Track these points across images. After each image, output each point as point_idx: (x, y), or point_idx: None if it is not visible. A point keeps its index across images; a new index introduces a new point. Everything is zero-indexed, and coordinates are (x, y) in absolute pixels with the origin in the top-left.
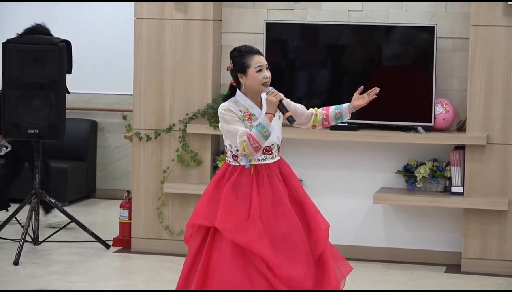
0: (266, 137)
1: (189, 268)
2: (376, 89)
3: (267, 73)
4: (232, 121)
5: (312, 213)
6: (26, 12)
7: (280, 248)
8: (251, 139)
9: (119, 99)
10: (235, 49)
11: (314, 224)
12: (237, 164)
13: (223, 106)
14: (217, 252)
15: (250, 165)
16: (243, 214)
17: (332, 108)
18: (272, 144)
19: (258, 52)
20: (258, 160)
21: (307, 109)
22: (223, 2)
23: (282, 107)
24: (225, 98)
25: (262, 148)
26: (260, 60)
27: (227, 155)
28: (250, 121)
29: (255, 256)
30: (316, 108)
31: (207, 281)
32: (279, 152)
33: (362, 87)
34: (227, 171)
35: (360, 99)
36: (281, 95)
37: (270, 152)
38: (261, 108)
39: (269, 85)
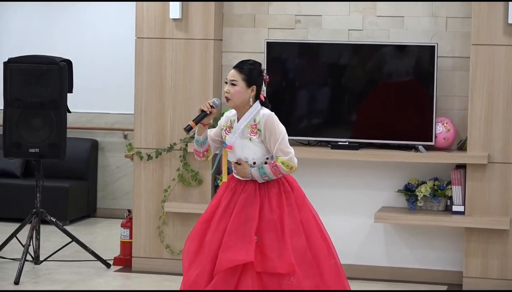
0: (197, 142)
1: None
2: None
3: (226, 88)
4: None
5: (225, 243)
6: (27, 31)
7: (200, 256)
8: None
9: (120, 119)
10: None
11: (226, 246)
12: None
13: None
14: None
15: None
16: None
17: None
18: (246, 162)
19: (235, 67)
20: (235, 173)
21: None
22: (224, 22)
23: (197, 115)
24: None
25: (201, 153)
26: (229, 73)
27: None
28: (228, 133)
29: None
30: (278, 159)
31: None
32: None
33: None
34: None
35: None
36: (207, 107)
37: None
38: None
39: (270, 104)
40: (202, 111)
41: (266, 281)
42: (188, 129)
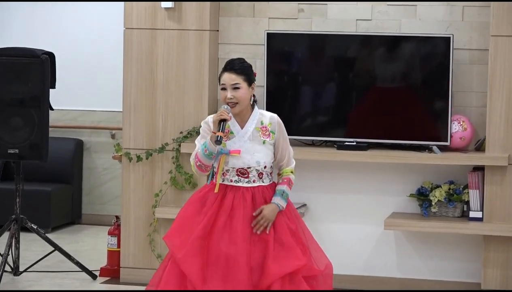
0: (208, 156)
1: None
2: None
3: (229, 94)
4: (201, 136)
5: (268, 250)
6: (9, 22)
7: (219, 270)
8: (196, 157)
9: (107, 117)
10: None
11: (272, 256)
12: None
13: (206, 118)
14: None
15: (213, 183)
16: (192, 230)
17: (276, 189)
18: (249, 168)
19: (228, 70)
20: (231, 181)
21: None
22: (221, 11)
23: (219, 126)
24: None
25: (209, 167)
26: (224, 78)
27: None
28: (226, 139)
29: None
30: (287, 171)
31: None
32: (260, 178)
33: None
34: (207, 185)
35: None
36: (226, 116)
37: (246, 175)
38: (242, 126)
39: (271, 101)
40: (223, 120)
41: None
42: (220, 140)
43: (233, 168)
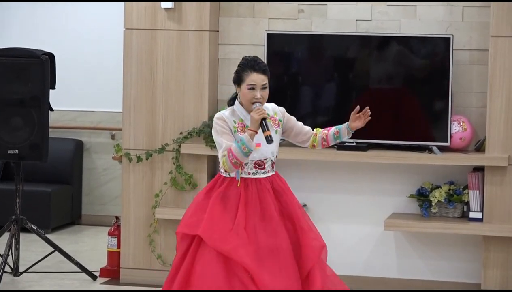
0: (246, 154)
1: (173, 274)
2: (368, 111)
3: (258, 94)
4: (221, 132)
5: (304, 228)
6: (9, 22)
7: (267, 261)
8: (230, 154)
9: (107, 117)
10: (244, 57)
11: (306, 240)
12: (227, 176)
13: (218, 114)
14: (201, 260)
15: (224, 177)
16: (227, 224)
17: (332, 128)
18: (265, 159)
19: (258, 70)
20: (249, 174)
21: (312, 128)
22: (221, 11)
23: (263, 125)
24: (229, 102)
25: (242, 164)
26: (254, 79)
27: (219, 166)
28: (242, 133)
29: (238, 266)
30: (319, 129)
31: (189, 288)
32: (273, 167)
33: (358, 107)
34: (218, 181)
35: (357, 121)
36: (265, 113)
37: (262, 167)
38: None
39: (271, 102)
40: (265, 118)
41: None
42: (272, 138)
43: (252, 160)
